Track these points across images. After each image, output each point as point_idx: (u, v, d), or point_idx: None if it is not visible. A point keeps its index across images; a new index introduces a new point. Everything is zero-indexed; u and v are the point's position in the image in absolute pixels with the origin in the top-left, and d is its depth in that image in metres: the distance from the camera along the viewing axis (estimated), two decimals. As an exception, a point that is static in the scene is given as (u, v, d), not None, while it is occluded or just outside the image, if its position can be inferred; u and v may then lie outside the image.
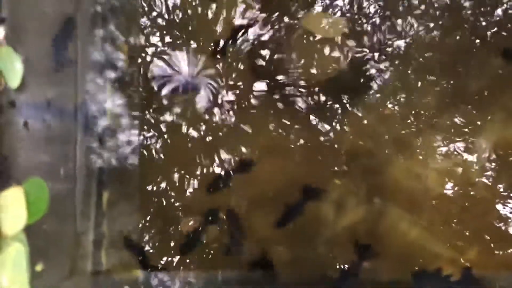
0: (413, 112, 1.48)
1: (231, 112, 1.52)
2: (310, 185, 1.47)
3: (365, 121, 1.49)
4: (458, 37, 1.48)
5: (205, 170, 1.52)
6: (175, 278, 1.48)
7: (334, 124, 1.50)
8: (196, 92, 1.52)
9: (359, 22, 1.51)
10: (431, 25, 1.49)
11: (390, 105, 1.49)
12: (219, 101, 1.52)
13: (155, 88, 1.53)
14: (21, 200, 1.01)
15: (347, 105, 1.50)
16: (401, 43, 1.49)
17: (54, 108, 1.29)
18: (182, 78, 1.52)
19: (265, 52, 1.53)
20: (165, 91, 1.53)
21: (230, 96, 1.52)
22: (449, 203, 1.45)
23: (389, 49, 1.50)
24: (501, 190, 1.44)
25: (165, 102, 1.53)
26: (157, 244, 1.50)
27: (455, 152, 1.46)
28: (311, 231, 1.48)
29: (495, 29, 1.47)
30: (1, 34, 1.04)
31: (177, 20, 1.54)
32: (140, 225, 1.51)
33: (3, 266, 0.97)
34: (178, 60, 1.53)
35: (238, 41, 1.52)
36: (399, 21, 1.50)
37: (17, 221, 1.00)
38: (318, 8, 1.52)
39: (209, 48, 1.52)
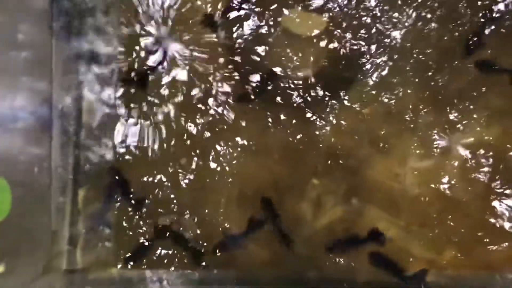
0: (392, 111, 1.47)
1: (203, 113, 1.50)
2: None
3: (344, 121, 1.48)
4: (438, 36, 1.47)
5: (173, 172, 1.50)
6: (150, 276, 1.47)
7: (313, 123, 1.49)
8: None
9: (340, 19, 1.49)
10: (413, 23, 1.48)
11: (369, 105, 1.48)
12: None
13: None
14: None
15: (326, 104, 1.49)
16: (382, 40, 1.48)
17: (28, 103, 1.27)
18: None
19: (244, 47, 1.50)
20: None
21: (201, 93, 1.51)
22: (427, 203, 1.45)
23: (370, 47, 1.49)
24: (479, 190, 1.44)
25: (146, 97, 1.51)
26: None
27: (434, 152, 1.45)
28: (289, 230, 1.47)
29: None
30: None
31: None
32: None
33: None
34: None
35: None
36: (381, 17, 1.48)
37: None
38: (298, 7, 1.50)
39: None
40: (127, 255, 1.47)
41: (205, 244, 1.47)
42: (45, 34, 1.41)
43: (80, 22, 1.50)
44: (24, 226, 1.31)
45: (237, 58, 1.50)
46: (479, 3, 1.47)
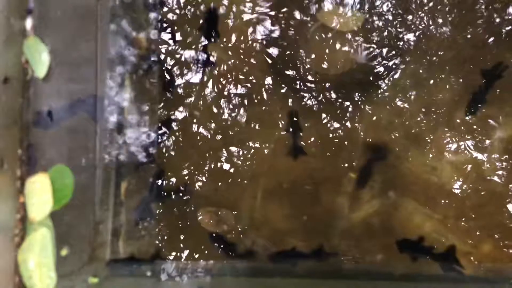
0: (428, 106, 1.49)
1: (241, 108, 1.54)
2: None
3: (379, 116, 1.50)
4: (471, 34, 1.48)
5: (213, 165, 1.54)
6: (192, 267, 1.50)
7: (347, 118, 1.51)
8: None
9: (375, 18, 1.51)
10: (444, 21, 1.49)
11: (403, 101, 1.50)
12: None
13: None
14: (47, 186, 1.03)
15: (361, 99, 1.51)
16: (414, 39, 1.50)
17: (76, 99, 1.31)
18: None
19: (278, 46, 1.54)
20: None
21: (241, 90, 1.54)
22: (464, 197, 1.46)
23: (403, 45, 1.51)
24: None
25: (180, 93, 1.55)
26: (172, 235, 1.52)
27: (471, 146, 1.47)
28: (326, 223, 1.49)
29: (510, 26, 1.47)
30: (29, 25, 1.06)
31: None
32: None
33: (30, 250, 1.00)
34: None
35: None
36: (413, 17, 1.50)
37: (44, 206, 1.02)
38: (333, 3, 1.53)
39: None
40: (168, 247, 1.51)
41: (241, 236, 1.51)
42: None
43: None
44: (72, 216, 1.35)
45: (274, 53, 1.54)
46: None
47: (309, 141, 1.52)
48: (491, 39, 1.47)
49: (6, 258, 0.99)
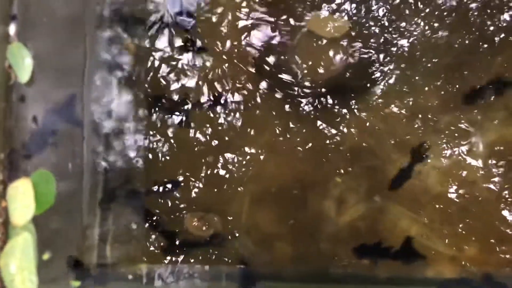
0: (415, 112, 1.50)
1: (236, 113, 1.55)
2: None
3: (368, 121, 1.51)
4: (461, 39, 1.50)
5: (209, 172, 1.54)
6: (178, 272, 1.51)
7: (336, 123, 1.52)
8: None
9: (363, 23, 1.52)
10: (436, 26, 1.50)
11: (392, 106, 1.51)
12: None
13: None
14: (29, 191, 1.04)
15: (350, 104, 1.52)
16: (405, 44, 1.51)
17: (62, 104, 1.32)
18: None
19: (269, 53, 1.55)
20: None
21: (235, 97, 1.55)
22: (449, 201, 1.47)
23: (393, 50, 1.52)
24: (503, 191, 1.46)
25: (173, 99, 1.56)
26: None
27: (455, 151, 1.48)
28: (313, 227, 1.50)
29: (502, 33, 1.49)
30: (12, 31, 1.07)
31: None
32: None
33: (12, 254, 1.00)
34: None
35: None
36: (404, 23, 1.51)
37: (26, 211, 1.03)
38: (324, 11, 1.54)
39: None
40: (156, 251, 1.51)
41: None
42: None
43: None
44: (58, 221, 1.36)
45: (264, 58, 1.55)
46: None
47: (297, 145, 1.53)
48: (485, 46, 1.48)
49: (-13, 262, 0.99)
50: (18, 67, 1.07)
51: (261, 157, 1.53)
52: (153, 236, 1.54)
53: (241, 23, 1.55)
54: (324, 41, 1.52)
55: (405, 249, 1.42)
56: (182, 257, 1.52)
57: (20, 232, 1.02)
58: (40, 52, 1.12)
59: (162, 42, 1.55)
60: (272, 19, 1.54)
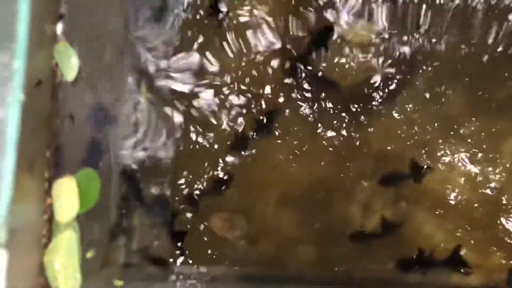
0: (437, 120, 1.52)
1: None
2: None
3: (391, 127, 1.53)
4: (484, 47, 1.52)
5: (226, 172, 1.56)
6: (202, 271, 1.52)
7: (362, 128, 1.54)
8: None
9: (391, 30, 1.55)
10: (459, 35, 1.53)
11: (415, 113, 1.53)
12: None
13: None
14: (73, 189, 1.05)
15: (374, 110, 1.54)
16: (429, 52, 1.53)
17: (98, 104, 1.33)
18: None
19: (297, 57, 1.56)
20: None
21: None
22: (474, 208, 1.49)
23: (418, 57, 1.54)
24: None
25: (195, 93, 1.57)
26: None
27: (482, 158, 1.50)
28: (338, 231, 1.52)
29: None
30: (60, 30, 1.08)
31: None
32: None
33: (56, 251, 1.01)
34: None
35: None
36: (430, 30, 1.53)
37: (70, 209, 1.04)
38: (355, 18, 1.56)
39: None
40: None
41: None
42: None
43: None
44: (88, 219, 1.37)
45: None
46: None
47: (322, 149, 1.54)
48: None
49: (33, 259, 1.00)
50: (65, 66, 1.08)
51: (287, 160, 1.55)
52: (179, 237, 1.54)
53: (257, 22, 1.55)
54: (354, 48, 1.54)
55: (453, 257, 1.44)
56: (208, 257, 1.53)
57: (64, 230, 1.03)
58: (83, 52, 1.14)
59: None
60: (291, 20, 1.56)
